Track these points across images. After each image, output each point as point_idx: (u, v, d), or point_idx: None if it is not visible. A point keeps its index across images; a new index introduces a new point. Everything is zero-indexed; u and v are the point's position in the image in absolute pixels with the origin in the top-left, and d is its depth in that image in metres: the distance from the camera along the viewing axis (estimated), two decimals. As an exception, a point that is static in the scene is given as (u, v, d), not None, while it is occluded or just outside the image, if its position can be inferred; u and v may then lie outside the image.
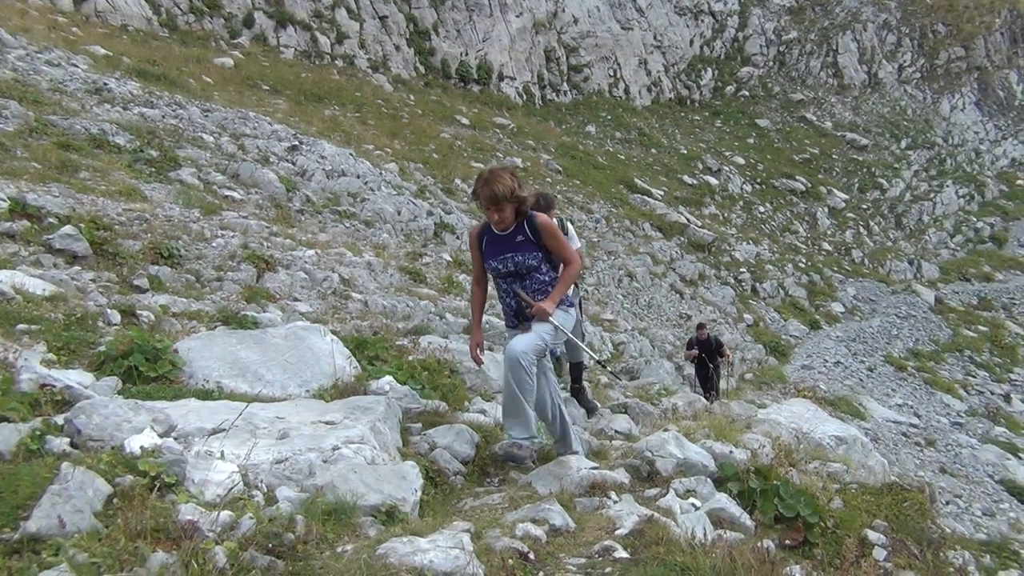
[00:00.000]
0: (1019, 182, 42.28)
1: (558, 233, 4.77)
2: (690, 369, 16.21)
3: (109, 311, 6.06)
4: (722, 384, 15.51)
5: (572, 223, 7.39)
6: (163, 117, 15.08)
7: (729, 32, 47.31)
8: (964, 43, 47.68)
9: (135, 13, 25.16)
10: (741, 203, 35.31)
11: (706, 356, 14.84)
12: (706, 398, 13.34)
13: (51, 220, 7.79)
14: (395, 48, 32.70)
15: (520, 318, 4.73)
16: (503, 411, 4.80)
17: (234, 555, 2.76)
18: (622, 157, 34.53)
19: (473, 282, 5.09)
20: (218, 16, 27.97)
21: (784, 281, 28.72)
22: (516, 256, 4.66)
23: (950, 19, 48.68)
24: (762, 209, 35.62)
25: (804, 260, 31.63)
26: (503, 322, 5.33)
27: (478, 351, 4.97)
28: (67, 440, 3.39)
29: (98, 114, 13.61)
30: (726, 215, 33.61)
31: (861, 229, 36.80)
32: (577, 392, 7.79)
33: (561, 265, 4.87)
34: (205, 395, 4.73)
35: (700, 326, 15.68)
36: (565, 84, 39.17)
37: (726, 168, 36.93)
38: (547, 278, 4.76)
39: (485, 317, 7.28)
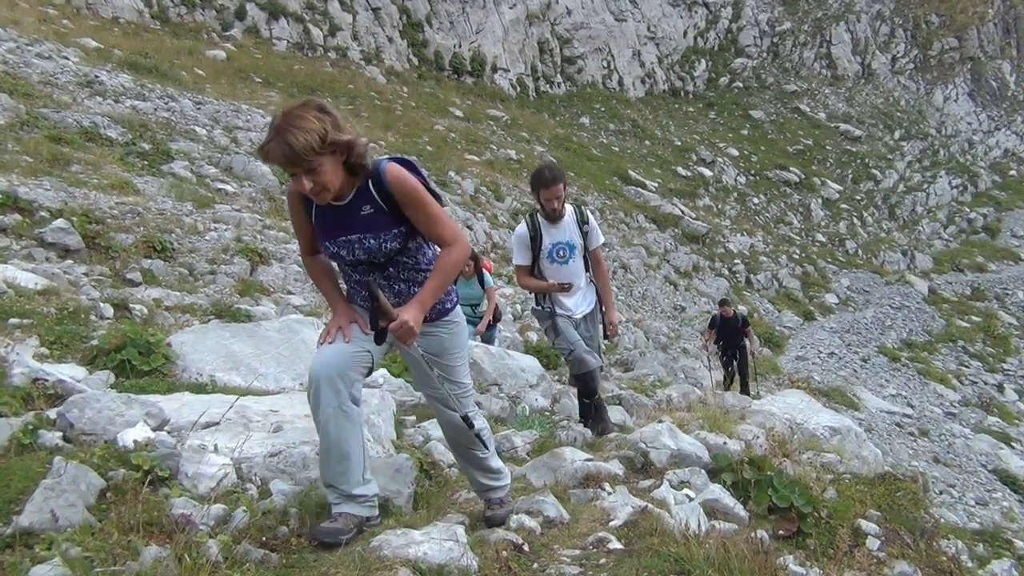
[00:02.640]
0: (1012, 173, 42.38)
1: (423, 196, 3.17)
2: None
3: (102, 305, 6.03)
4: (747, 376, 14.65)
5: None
6: (155, 110, 15.01)
7: (723, 23, 47.25)
8: (957, 34, 47.71)
9: (126, 5, 25.02)
10: (735, 194, 35.33)
11: (729, 338, 14.46)
12: (725, 387, 13.18)
13: (43, 214, 7.75)
14: (388, 40, 32.60)
15: (376, 330, 3.14)
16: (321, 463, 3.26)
17: (228, 548, 2.76)
18: (616, 149, 34.50)
19: (302, 250, 3.46)
20: (210, 8, 27.84)
21: (778, 272, 28.76)
22: (366, 239, 3.15)
23: (943, 10, 48.70)
24: (756, 200, 35.65)
25: (798, 251, 31.67)
26: None
27: (349, 327, 3.28)
28: (60, 434, 3.38)
29: (90, 107, 13.53)
30: (720, 206, 33.63)
31: (855, 220, 36.86)
32: (587, 410, 6.07)
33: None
34: (198, 388, 4.72)
35: (723, 302, 15.23)
36: (559, 76, 39.11)
37: (720, 159, 36.94)
38: (424, 259, 3.32)
39: None
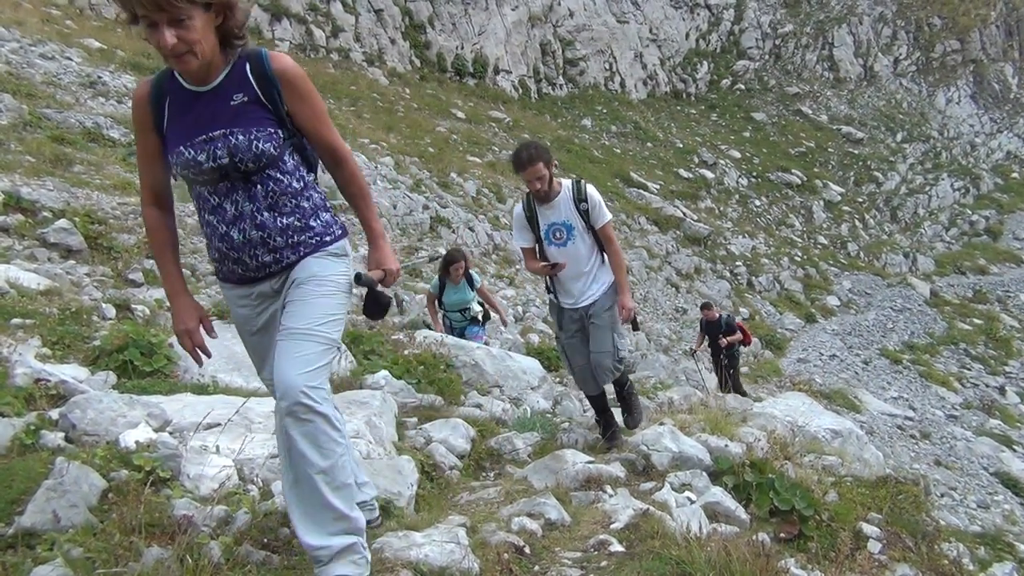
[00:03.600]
0: (1014, 175, 42.35)
1: (313, 88, 2.65)
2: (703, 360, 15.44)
3: (104, 305, 6.04)
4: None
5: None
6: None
7: (725, 25, 47.24)
8: (960, 36, 47.69)
9: (129, 6, 25.02)
10: (737, 197, 35.32)
11: (715, 341, 14.14)
12: (721, 389, 13.02)
13: (45, 214, 7.76)
14: (390, 41, 32.61)
15: (250, 274, 2.66)
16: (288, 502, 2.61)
17: (229, 550, 2.76)
18: (618, 151, 34.50)
19: (144, 199, 2.79)
20: (213, 9, 27.82)
21: (780, 275, 28.74)
22: (233, 135, 2.51)
23: (946, 12, 48.67)
24: (758, 203, 35.63)
25: (800, 253, 31.65)
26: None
27: (199, 332, 2.79)
28: (62, 435, 3.38)
29: (92, 107, 13.55)
30: (722, 209, 33.62)
31: (857, 222, 36.83)
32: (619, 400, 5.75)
33: (344, 169, 2.78)
34: (200, 390, 4.73)
35: (705, 305, 14.90)
36: (561, 78, 39.11)
37: (722, 162, 36.93)
38: (301, 184, 2.69)
39: None
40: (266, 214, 2.63)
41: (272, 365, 2.64)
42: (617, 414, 5.74)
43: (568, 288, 5.27)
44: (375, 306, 2.89)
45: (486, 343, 8.81)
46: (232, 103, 2.52)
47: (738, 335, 14.12)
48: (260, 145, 2.53)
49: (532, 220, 5.21)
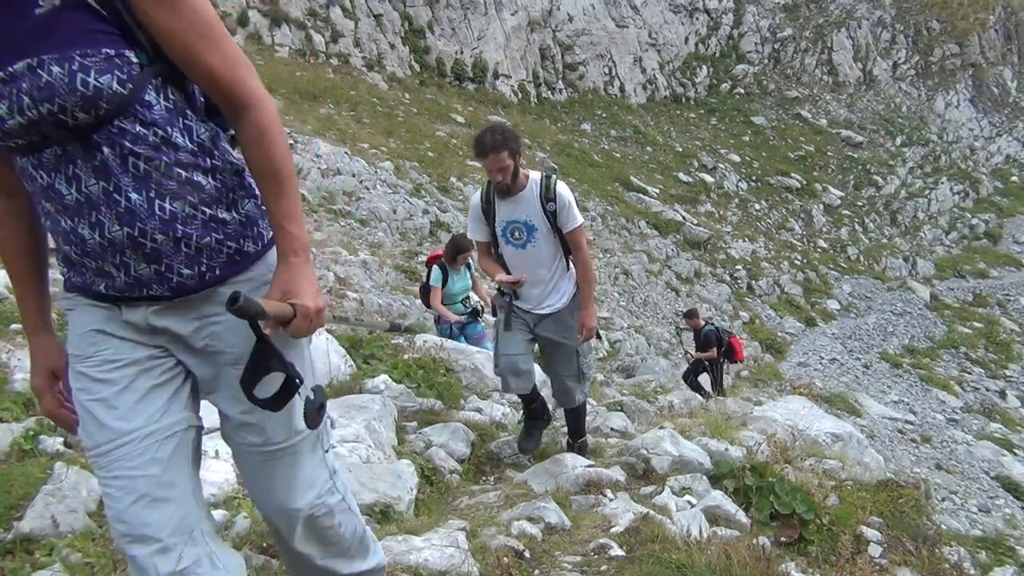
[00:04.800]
0: (1014, 179, 42.36)
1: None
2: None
3: (103, 310, 6.03)
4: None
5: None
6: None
7: (724, 30, 47.29)
8: (959, 40, 47.73)
9: (129, 12, 25.07)
10: (737, 200, 35.32)
11: (700, 351, 13.66)
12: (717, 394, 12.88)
13: (45, 219, 7.74)
14: (390, 46, 32.64)
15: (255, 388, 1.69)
16: None
17: (228, 555, 2.75)
18: (617, 155, 34.51)
19: None
20: (212, 15, 27.87)
21: (780, 278, 28.74)
22: (44, 68, 1.50)
23: (944, 16, 48.72)
24: (757, 206, 35.64)
25: (800, 257, 31.65)
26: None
27: (54, 395, 1.86)
28: (61, 440, 3.38)
29: (92, 113, 13.54)
30: (722, 213, 33.62)
31: (856, 226, 36.84)
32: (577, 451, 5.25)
33: (244, 121, 1.71)
34: (199, 395, 4.71)
35: (688, 314, 14.36)
36: (560, 82, 39.14)
37: (721, 166, 36.94)
38: (191, 142, 1.70)
39: None
40: (134, 197, 1.61)
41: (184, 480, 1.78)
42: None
43: (523, 293, 4.71)
44: (275, 389, 1.72)
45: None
46: (36, 11, 1.49)
47: (712, 352, 13.40)
48: (95, 82, 1.51)
49: (489, 213, 4.63)
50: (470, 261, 8.42)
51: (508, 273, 4.67)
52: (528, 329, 4.74)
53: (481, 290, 8.76)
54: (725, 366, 14.11)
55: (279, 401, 1.71)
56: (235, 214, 1.78)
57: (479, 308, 8.58)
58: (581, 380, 4.88)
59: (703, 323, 14.01)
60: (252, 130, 1.70)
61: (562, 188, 4.51)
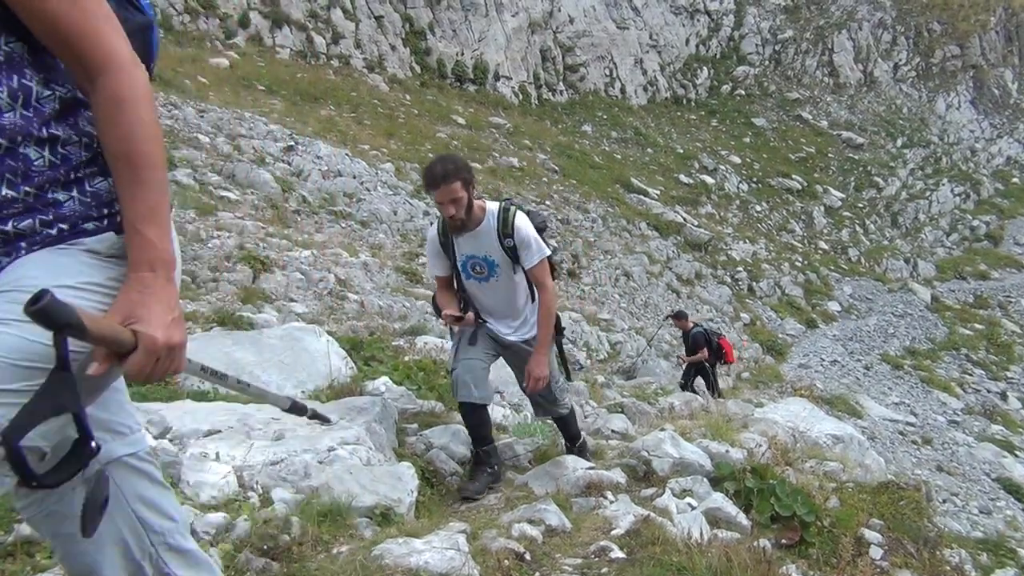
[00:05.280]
0: (1014, 180, 42.39)
1: None
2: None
3: (104, 312, 6.03)
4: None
5: (534, 218, 4.40)
6: (158, 118, 15.02)
7: (725, 31, 47.31)
8: (959, 41, 47.75)
9: (130, 13, 25.07)
10: (737, 202, 35.33)
11: (691, 353, 13.64)
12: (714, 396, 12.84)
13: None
14: (391, 48, 32.66)
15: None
16: None
17: (229, 557, 2.76)
18: (618, 156, 34.52)
19: None
20: (213, 16, 27.90)
21: (781, 280, 28.74)
22: None
23: (945, 17, 48.75)
24: (758, 208, 35.65)
25: (801, 259, 31.66)
26: None
27: None
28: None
29: (93, 115, 13.56)
30: (722, 214, 33.63)
31: (857, 228, 36.85)
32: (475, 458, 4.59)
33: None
34: (200, 396, 4.72)
35: (676, 315, 14.27)
36: (561, 83, 39.14)
37: (722, 167, 36.95)
38: (18, 113, 1.34)
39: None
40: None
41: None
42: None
43: (492, 320, 4.48)
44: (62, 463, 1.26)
45: None
46: None
47: (702, 353, 13.33)
48: None
49: (448, 247, 4.32)
50: None
51: (467, 308, 4.40)
52: (495, 344, 4.46)
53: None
54: (717, 368, 14.02)
55: (59, 472, 1.24)
56: (75, 193, 1.44)
57: None
58: (556, 402, 4.66)
59: (691, 325, 13.91)
60: (104, 100, 1.36)
61: (521, 222, 4.17)
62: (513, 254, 4.19)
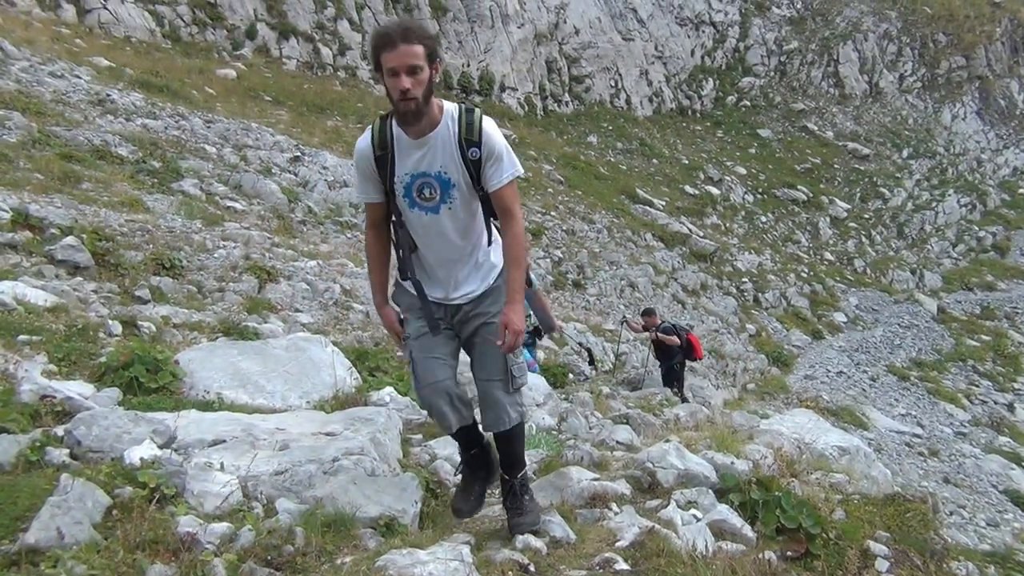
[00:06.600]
0: (1021, 191, 42.29)
1: None
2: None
3: (110, 322, 6.05)
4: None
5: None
6: (166, 128, 15.12)
7: (730, 42, 47.39)
8: (965, 52, 47.76)
9: (138, 25, 25.26)
10: (743, 213, 35.31)
11: (660, 352, 13.72)
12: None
13: (53, 231, 7.79)
14: (397, 59, 32.77)
15: None
16: None
17: (233, 567, 2.76)
18: (624, 167, 34.56)
19: None
20: (221, 28, 28.07)
21: (786, 291, 28.69)
22: None
23: (951, 28, 48.77)
24: (764, 219, 35.62)
25: (806, 270, 31.60)
26: None
27: None
28: (67, 451, 3.39)
29: (101, 125, 13.64)
30: (728, 225, 33.62)
31: (863, 239, 36.78)
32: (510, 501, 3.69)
33: None
34: (205, 406, 4.73)
35: (646, 312, 14.29)
36: (566, 95, 39.24)
37: (728, 178, 36.95)
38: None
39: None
40: None
41: None
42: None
43: (434, 273, 3.43)
44: None
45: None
46: None
47: (673, 339, 13.39)
48: None
49: (385, 163, 3.24)
50: (530, 276, 8.13)
51: (413, 250, 3.40)
52: (447, 328, 3.45)
53: (542, 300, 8.40)
54: (687, 365, 14.19)
55: None
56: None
57: (538, 327, 8.20)
58: (511, 388, 3.47)
59: (660, 321, 14.00)
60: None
61: (489, 126, 3.21)
62: (476, 170, 3.19)
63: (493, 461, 3.79)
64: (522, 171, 3.32)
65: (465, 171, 3.18)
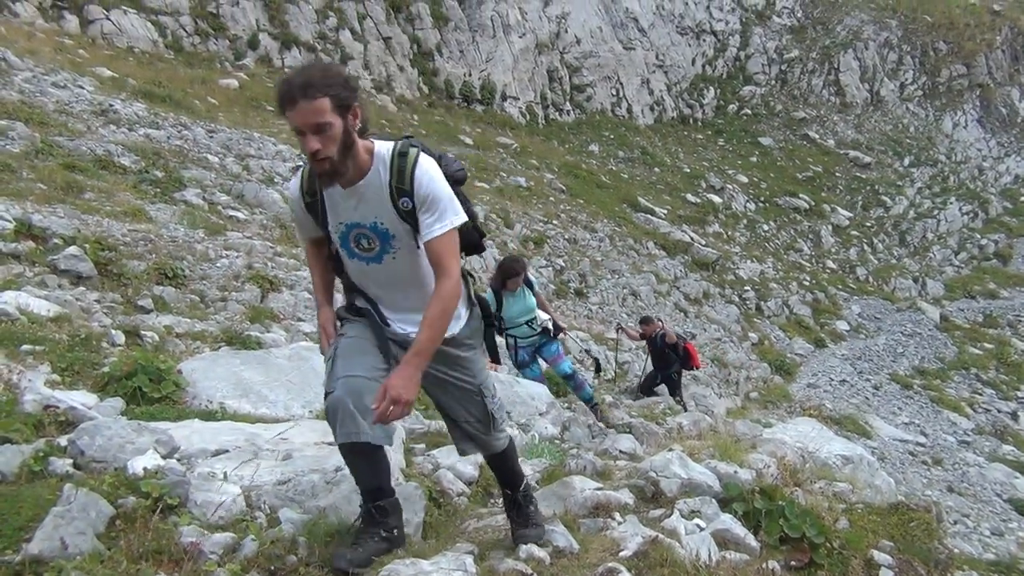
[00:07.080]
0: (1023, 199, 42.25)
1: None
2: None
3: (113, 332, 6.06)
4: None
5: (447, 165, 3.21)
6: (168, 138, 15.15)
7: (731, 51, 47.49)
8: (965, 61, 47.82)
9: (141, 35, 25.36)
10: (745, 221, 35.31)
11: (657, 361, 13.61)
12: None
13: (56, 241, 7.81)
14: (399, 69, 32.89)
15: None
16: None
17: (236, 577, 2.75)
18: (625, 176, 34.60)
19: None
20: (223, 38, 28.17)
21: (789, 299, 28.66)
22: None
23: (951, 37, 48.85)
24: (766, 227, 35.62)
25: (808, 278, 31.57)
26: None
27: None
28: (70, 461, 3.39)
29: (104, 135, 13.68)
30: (730, 233, 33.61)
31: (865, 247, 36.76)
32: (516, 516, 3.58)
33: None
34: (208, 416, 4.73)
35: (644, 320, 14.31)
36: (568, 103, 39.32)
37: (729, 186, 36.97)
38: None
39: None
40: None
41: None
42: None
43: (392, 315, 3.13)
44: None
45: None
46: None
47: (673, 339, 13.38)
48: None
49: (315, 208, 2.98)
50: (531, 279, 8.13)
51: (354, 291, 3.14)
52: (395, 346, 3.03)
53: (547, 307, 8.45)
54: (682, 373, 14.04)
55: None
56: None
57: (548, 328, 8.20)
58: (492, 428, 3.30)
59: (659, 329, 13.89)
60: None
61: (424, 171, 2.88)
62: (413, 220, 2.86)
63: (399, 528, 3.21)
64: (462, 220, 2.92)
65: (401, 221, 2.86)
